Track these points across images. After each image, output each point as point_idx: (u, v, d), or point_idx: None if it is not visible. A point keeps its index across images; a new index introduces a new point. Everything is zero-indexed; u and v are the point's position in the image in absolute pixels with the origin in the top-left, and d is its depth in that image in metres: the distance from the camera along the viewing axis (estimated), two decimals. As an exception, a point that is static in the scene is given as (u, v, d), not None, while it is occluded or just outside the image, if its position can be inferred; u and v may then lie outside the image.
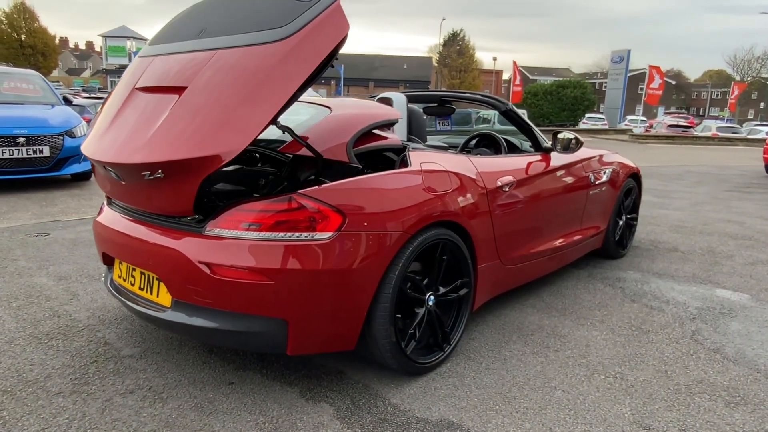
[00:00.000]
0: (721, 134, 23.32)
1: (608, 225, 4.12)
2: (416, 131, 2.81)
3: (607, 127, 30.12)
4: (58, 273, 3.74)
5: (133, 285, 2.39)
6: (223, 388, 2.32)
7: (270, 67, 1.97)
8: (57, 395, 2.24)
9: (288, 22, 2.02)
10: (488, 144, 3.69)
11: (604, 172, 3.95)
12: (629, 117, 32.80)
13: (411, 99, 3.77)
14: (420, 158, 2.48)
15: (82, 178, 7.42)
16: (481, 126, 25.35)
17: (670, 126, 25.10)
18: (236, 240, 2.03)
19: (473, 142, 3.81)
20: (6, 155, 6.37)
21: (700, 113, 73.06)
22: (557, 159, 3.42)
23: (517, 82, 30.57)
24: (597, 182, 3.82)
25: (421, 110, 2.93)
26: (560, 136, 3.40)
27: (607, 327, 3.05)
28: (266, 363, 2.52)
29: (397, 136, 2.55)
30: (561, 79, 42.35)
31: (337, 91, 61.90)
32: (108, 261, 2.63)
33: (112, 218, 2.51)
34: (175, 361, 2.54)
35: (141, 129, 2.10)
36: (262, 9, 2.23)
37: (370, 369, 2.49)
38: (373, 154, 2.55)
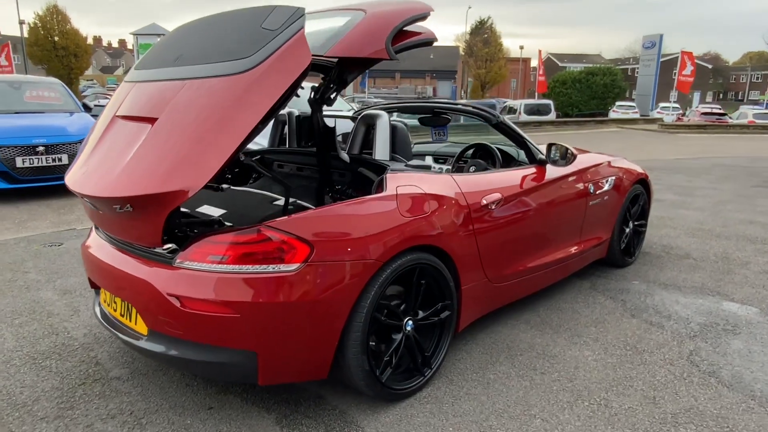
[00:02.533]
0: (758, 121, 22.42)
1: (612, 234, 4.01)
2: (400, 149, 2.77)
3: (637, 115, 29.27)
4: (64, 287, 3.85)
5: (115, 311, 2.44)
6: (201, 414, 2.35)
7: (232, 100, 1.98)
8: (42, 420, 2.30)
9: (253, 52, 2.03)
10: (483, 155, 3.62)
11: (606, 181, 3.83)
12: (661, 104, 31.75)
13: (403, 111, 3.73)
14: (397, 181, 2.45)
15: (102, 183, 7.60)
16: (508, 116, 25.07)
17: (703, 114, 24.24)
18: (204, 272, 2.04)
19: (469, 152, 3.75)
20: (26, 164, 6.58)
21: (739, 98, 70.41)
22: (553, 171, 3.34)
23: (541, 71, 29.90)
24: (598, 192, 3.71)
25: (405, 125, 2.89)
26: (554, 148, 3.31)
27: (601, 346, 2.97)
28: (247, 387, 2.54)
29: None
30: (591, 65, 41.36)
31: (361, 83, 61.81)
32: (94, 285, 2.69)
33: (96, 245, 2.56)
34: (160, 384, 2.59)
35: (113, 161, 2.14)
36: (231, 37, 2.24)
37: (349, 393, 2.48)
38: (357, 176, 2.55)
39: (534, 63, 57.02)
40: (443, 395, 2.49)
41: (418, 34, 2.51)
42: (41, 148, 6.65)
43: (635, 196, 4.24)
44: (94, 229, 2.75)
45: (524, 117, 23.72)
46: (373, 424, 2.28)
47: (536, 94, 31.67)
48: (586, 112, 35.88)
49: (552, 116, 24.42)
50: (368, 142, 2.83)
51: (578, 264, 3.73)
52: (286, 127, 3.32)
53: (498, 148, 3.60)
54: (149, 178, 1.94)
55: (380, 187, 2.43)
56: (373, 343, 2.31)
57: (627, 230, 4.21)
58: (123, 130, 2.29)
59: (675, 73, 27.40)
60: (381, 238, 2.24)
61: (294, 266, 2.05)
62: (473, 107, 3.22)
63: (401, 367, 2.47)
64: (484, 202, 2.77)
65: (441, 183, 2.63)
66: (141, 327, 2.24)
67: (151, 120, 2.13)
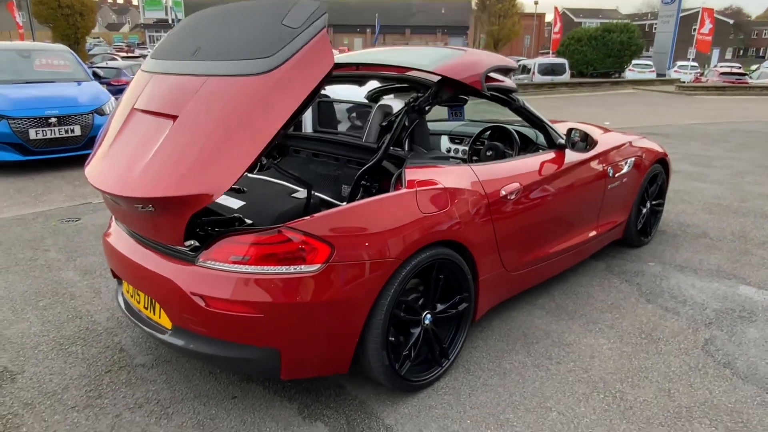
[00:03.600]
0: (779, 81, 21.80)
1: (629, 215, 3.98)
2: (419, 139, 2.72)
3: (654, 75, 28.51)
4: (84, 266, 3.91)
5: (138, 303, 2.49)
6: (225, 403, 2.42)
7: (255, 102, 1.97)
8: (72, 409, 2.39)
9: (275, 51, 2.01)
10: (501, 137, 3.57)
11: (626, 162, 3.77)
12: (679, 62, 30.85)
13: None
14: (416, 176, 2.43)
15: (114, 153, 7.60)
16: (521, 76, 24.51)
17: (722, 74, 23.55)
18: (226, 272, 2.06)
19: (486, 133, 3.69)
20: (39, 136, 6.58)
21: (760, 54, 68.26)
22: (572, 156, 3.29)
23: (556, 29, 29.01)
24: (617, 174, 3.66)
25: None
26: (574, 132, 3.25)
27: (616, 334, 2.99)
28: (269, 375, 2.60)
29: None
30: (607, 21, 40.13)
31: (374, 40, 60.59)
32: (117, 275, 2.73)
33: (118, 236, 2.58)
34: (184, 371, 2.66)
35: (133, 157, 2.13)
36: (251, 33, 2.20)
37: (368, 384, 2.54)
38: (377, 170, 2.53)
39: (549, 18, 55.31)
40: (460, 386, 2.54)
41: (503, 82, 2.92)
42: (54, 120, 6.64)
43: (654, 176, 4.18)
44: (114, 219, 2.77)
45: (538, 77, 23.22)
46: (392, 415, 2.34)
47: (551, 51, 30.82)
48: (601, 70, 35.05)
49: (566, 76, 23.87)
50: (384, 131, 2.79)
51: (595, 247, 3.72)
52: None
53: (516, 130, 3.54)
54: (172, 179, 1.94)
55: (399, 182, 2.41)
56: (392, 338, 2.34)
57: (644, 210, 4.18)
58: (142, 125, 2.27)
59: (694, 29, 26.53)
60: (401, 236, 2.24)
61: (315, 267, 2.06)
62: (491, 93, 3.12)
63: (420, 357, 2.51)
64: (503, 192, 2.75)
65: (460, 175, 2.61)
66: (165, 321, 2.28)
67: (172, 117, 2.12)
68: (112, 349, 2.86)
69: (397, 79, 3.00)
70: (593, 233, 3.58)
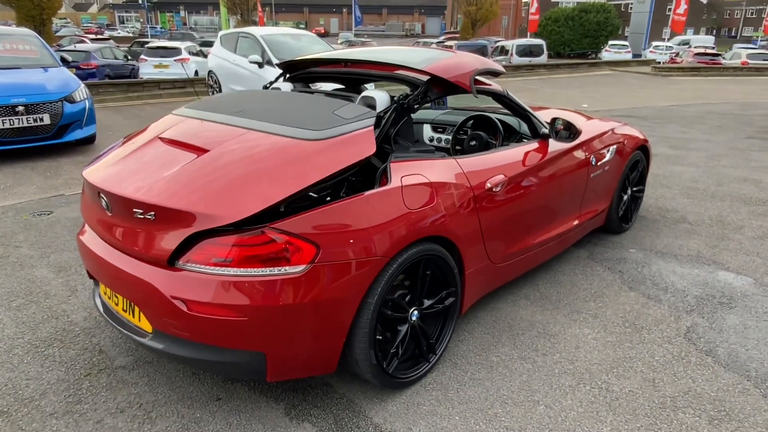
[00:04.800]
0: (751, 62, 22.12)
1: (611, 203, 4.00)
2: (403, 133, 2.67)
3: (630, 56, 28.71)
4: (58, 263, 3.80)
5: (117, 305, 2.41)
6: (210, 405, 2.38)
7: (290, 159, 2.12)
8: (51, 416, 2.32)
9: (323, 128, 2.25)
10: (484, 126, 3.53)
11: (608, 150, 3.78)
12: (654, 43, 31.10)
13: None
14: (401, 171, 2.38)
15: (86, 142, 7.39)
16: (499, 57, 24.43)
17: (696, 54, 23.81)
18: (208, 275, 2.00)
19: (470, 123, 3.65)
20: (7, 125, 6.34)
21: (732, 34, 69.26)
22: (555, 145, 3.27)
23: (533, 10, 28.97)
24: (599, 163, 3.66)
25: None
26: (557, 121, 3.23)
27: (600, 323, 3.01)
28: (254, 375, 2.56)
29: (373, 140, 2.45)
30: (584, 1, 40.22)
31: (354, 21, 59.74)
32: (93, 276, 2.64)
33: (93, 238, 2.49)
34: (166, 373, 2.60)
35: (151, 171, 2.25)
36: (302, 111, 2.49)
37: (356, 382, 2.51)
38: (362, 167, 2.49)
39: (526, -1, 55.06)
40: (448, 381, 2.53)
41: (490, 85, 3.08)
42: (21, 108, 6.39)
43: (635, 162, 4.21)
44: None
45: (516, 59, 23.18)
46: (380, 413, 2.32)
47: (528, 33, 30.79)
48: (578, 51, 35.21)
49: (544, 58, 23.88)
50: None
51: (577, 235, 3.74)
52: None
53: (499, 119, 3.51)
54: (186, 196, 2.03)
55: (384, 177, 2.36)
56: (380, 337, 2.32)
57: (625, 197, 4.20)
58: (164, 150, 2.38)
59: (670, 9, 26.71)
60: (387, 233, 2.20)
61: (300, 267, 2.01)
62: (488, 89, 3.06)
63: (407, 353, 2.49)
64: (489, 185, 2.72)
65: (445, 169, 2.57)
66: (145, 324, 2.22)
67: (199, 150, 2.27)
68: (91, 351, 2.78)
69: (386, 78, 2.97)
70: (576, 222, 3.59)
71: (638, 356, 2.71)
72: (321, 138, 2.20)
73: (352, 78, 3.26)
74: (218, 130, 2.42)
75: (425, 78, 2.73)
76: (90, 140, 7.39)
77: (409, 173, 2.40)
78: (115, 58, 18.31)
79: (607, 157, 3.77)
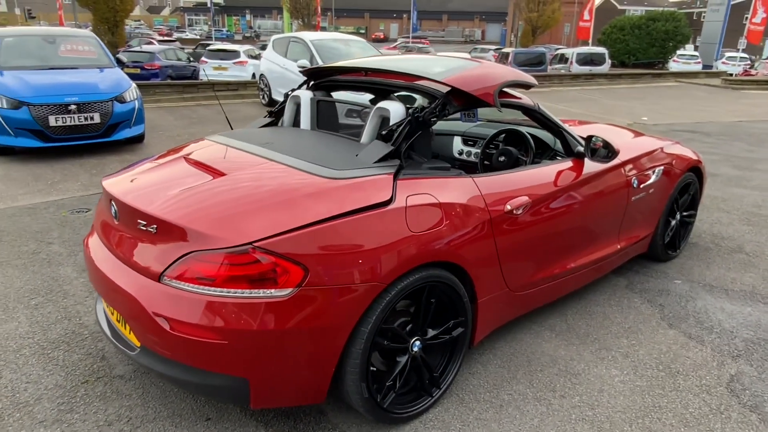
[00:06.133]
0: (836, 76, 20.44)
1: (656, 228, 3.67)
2: (419, 148, 2.49)
3: (700, 67, 27.22)
4: (83, 262, 3.84)
5: (112, 314, 2.36)
6: (198, 426, 2.28)
7: (302, 193, 2.06)
8: (40, 424, 2.28)
9: (342, 168, 2.20)
10: (516, 141, 3.31)
11: (654, 172, 3.46)
12: (727, 53, 29.35)
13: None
14: (407, 190, 2.21)
15: (135, 141, 7.59)
16: (558, 66, 23.76)
17: (775, 66, 22.23)
18: (190, 293, 1.90)
19: (501, 136, 3.43)
20: (59, 123, 6.58)
21: (818, 45, 64.55)
22: (590, 166, 3.01)
23: (586, 17, 27.92)
24: (642, 185, 3.35)
25: None
26: (594, 139, 2.96)
27: (631, 363, 2.73)
28: (248, 395, 2.45)
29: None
30: (653, 9, 38.55)
31: (412, 26, 59.80)
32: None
33: (94, 245, 2.45)
34: (162, 386, 2.53)
35: (164, 187, 2.22)
36: (327, 150, 2.49)
37: (351, 411, 2.36)
38: None
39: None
40: (451, 419, 2.33)
41: (520, 99, 2.87)
42: (73, 107, 6.62)
43: (686, 185, 3.85)
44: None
45: (576, 68, 22.40)
46: (372, 450, 2.16)
47: (589, 41, 29.79)
48: (644, 60, 33.76)
49: (606, 67, 22.97)
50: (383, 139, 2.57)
51: (615, 263, 3.44)
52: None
53: (532, 134, 3.28)
54: (188, 213, 2.00)
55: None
56: (374, 368, 2.15)
57: (673, 222, 3.85)
58: (186, 170, 2.40)
59: (746, 18, 25.14)
60: (385, 257, 2.03)
61: (286, 291, 1.88)
62: (516, 103, 2.85)
63: (407, 386, 2.32)
64: (509, 207, 2.51)
65: (459, 188, 2.38)
66: (134, 338, 2.15)
67: (219, 173, 2.28)
68: (94, 357, 2.75)
69: (406, 88, 2.81)
70: (614, 248, 3.29)
71: (669, 406, 2.42)
72: (338, 177, 2.14)
73: (378, 88, 3.12)
74: (241, 157, 2.45)
75: (445, 90, 2.55)
76: (138, 139, 7.59)
77: (416, 192, 2.23)
78: (178, 60, 18.96)
79: (652, 179, 3.45)
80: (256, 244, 1.87)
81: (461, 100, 2.55)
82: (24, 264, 3.81)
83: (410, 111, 2.43)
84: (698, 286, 3.58)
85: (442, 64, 2.76)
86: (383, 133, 2.41)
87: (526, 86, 2.85)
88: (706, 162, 4.22)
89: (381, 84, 2.91)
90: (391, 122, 2.47)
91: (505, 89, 2.80)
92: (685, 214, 3.97)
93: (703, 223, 4.75)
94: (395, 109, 2.50)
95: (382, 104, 2.55)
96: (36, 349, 2.81)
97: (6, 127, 6.43)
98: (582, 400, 2.45)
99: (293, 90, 3.17)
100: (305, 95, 3.04)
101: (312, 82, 3.26)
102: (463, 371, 2.62)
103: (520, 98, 2.86)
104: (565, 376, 2.63)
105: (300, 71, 3.51)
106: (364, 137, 2.62)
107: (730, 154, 7.73)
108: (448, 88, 2.53)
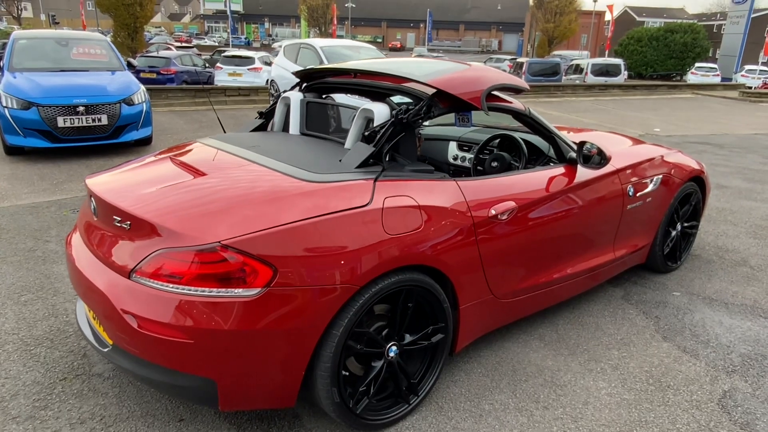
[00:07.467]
0: None
1: (654, 238, 3.58)
2: (404, 150, 2.45)
3: (718, 80, 26.86)
4: (77, 261, 3.85)
5: (89, 312, 2.34)
6: (170, 426, 2.25)
7: (278, 195, 2.04)
8: (13, 420, 2.27)
9: (323, 172, 2.18)
10: (510, 147, 3.25)
11: (651, 181, 3.38)
12: (747, 66, 28.94)
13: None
14: (386, 192, 2.17)
15: (143, 143, 7.66)
16: (573, 76, 23.62)
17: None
18: (158, 291, 1.88)
19: (495, 142, 3.38)
20: (68, 124, 6.66)
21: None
22: (582, 172, 2.94)
23: (611, 30, 27.78)
24: (638, 194, 3.28)
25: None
26: (587, 146, 2.90)
27: (620, 376, 2.65)
28: (224, 397, 2.41)
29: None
30: (671, 21, 38.21)
31: (427, 36, 60.09)
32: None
33: (75, 242, 2.44)
34: (138, 386, 2.50)
35: (144, 185, 2.23)
36: (311, 155, 2.50)
37: (327, 416, 2.31)
38: None
39: (609, 16, 53.10)
40: (428, 427, 2.27)
41: (511, 103, 2.82)
42: (81, 108, 6.70)
43: (687, 195, 3.76)
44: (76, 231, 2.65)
45: (591, 78, 22.24)
46: (344, 457, 2.11)
47: (606, 52, 29.60)
48: (661, 72, 33.46)
49: (621, 78, 22.76)
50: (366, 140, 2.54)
51: (611, 272, 3.36)
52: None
53: (525, 140, 3.22)
54: (159, 211, 1.99)
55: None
56: (347, 373, 2.11)
57: (673, 233, 3.76)
58: (169, 169, 2.40)
59: (767, 32, 24.75)
60: (358, 258, 1.99)
61: (254, 291, 1.85)
62: (507, 107, 2.80)
63: (385, 391, 2.27)
64: (493, 212, 2.45)
65: (440, 192, 2.33)
66: (107, 335, 2.13)
67: (200, 173, 2.28)
68: (75, 354, 2.74)
69: (394, 90, 2.78)
70: (607, 257, 3.21)
71: (656, 421, 2.34)
72: (317, 181, 2.12)
73: (370, 90, 3.09)
74: (226, 159, 2.45)
75: (430, 91, 2.51)
76: (146, 142, 7.66)
77: (394, 194, 2.18)
78: (194, 65, 19.20)
79: (650, 187, 3.37)
80: (224, 243, 1.85)
81: (447, 102, 2.51)
82: (19, 261, 3.84)
83: (394, 112, 2.40)
84: (697, 299, 3.47)
85: (431, 67, 2.73)
86: (366, 134, 2.38)
87: (516, 90, 2.80)
88: (716, 174, 4.13)
89: (369, 86, 2.88)
90: (375, 123, 2.44)
91: (497, 93, 2.76)
92: (686, 224, 3.87)
93: (708, 234, 4.64)
94: (379, 111, 2.47)
95: (367, 105, 2.52)
96: (19, 345, 2.81)
97: (16, 127, 6.52)
98: (565, 412, 2.38)
99: (284, 91, 3.16)
100: (295, 96, 3.03)
101: (304, 84, 3.25)
102: (445, 379, 2.56)
103: (510, 102, 2.81)
104: (550, 386, 2.55)
105: (292, 72, 3.50)
106: (348, 141, 2.60)
107: (742, 167, 7.56)
108: (434, 90, 2.50)
